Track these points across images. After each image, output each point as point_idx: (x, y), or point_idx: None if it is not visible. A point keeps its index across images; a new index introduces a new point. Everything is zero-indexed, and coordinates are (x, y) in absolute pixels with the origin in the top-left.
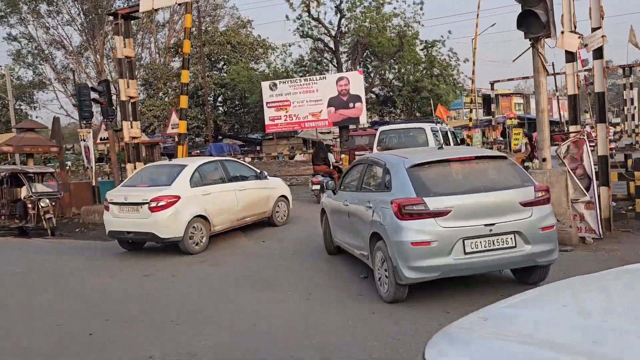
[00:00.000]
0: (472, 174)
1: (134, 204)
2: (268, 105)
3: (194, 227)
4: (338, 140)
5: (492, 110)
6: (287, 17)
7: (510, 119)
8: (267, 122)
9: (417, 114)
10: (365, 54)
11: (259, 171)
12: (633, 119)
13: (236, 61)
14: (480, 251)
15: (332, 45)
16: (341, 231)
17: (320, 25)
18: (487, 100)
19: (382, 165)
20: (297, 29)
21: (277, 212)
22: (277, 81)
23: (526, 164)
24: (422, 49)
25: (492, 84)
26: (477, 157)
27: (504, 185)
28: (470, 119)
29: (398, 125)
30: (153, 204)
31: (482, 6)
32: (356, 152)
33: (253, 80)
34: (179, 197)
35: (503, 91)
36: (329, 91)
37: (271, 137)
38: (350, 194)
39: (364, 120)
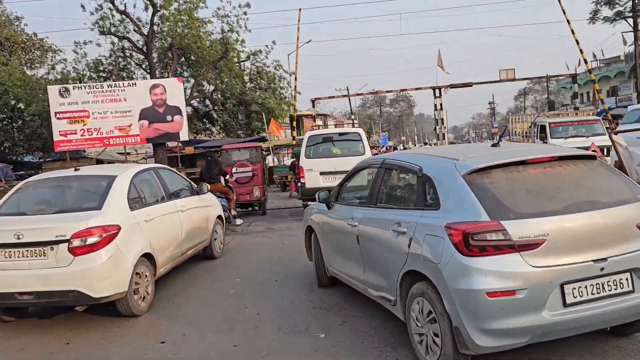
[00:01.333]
0: (562, 183)
1: (35, 244)
2: (58, 116)
3: (137, 273)
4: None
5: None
6: (83, 7)
7: None
8: (56, 137)
9: (240, 133)
10: (182, 59)
11: (193, 183)
12: (444, 138)
13: (5, 61)
14: (586, 301)
15: (142, 45)
16: (343, 260)
17: (127, 21)
18: (297, 121)
19: (415, 170)
20: (97, 22)
21: (214, 239)
22: (70, 85)
23: None
24: (246, 59)
25: (313, 102)
26: (560, 158)
27: (612, 200)
28: (294, 137)
29: (328, 130)
30: (76, 242)
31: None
32: (235, 169)
33: (32, 85)
34: (119, 228)
35: (306, 112)
36: (141, 101)
37: (61, 157)
38: (359, 210)
39: (185, 136)
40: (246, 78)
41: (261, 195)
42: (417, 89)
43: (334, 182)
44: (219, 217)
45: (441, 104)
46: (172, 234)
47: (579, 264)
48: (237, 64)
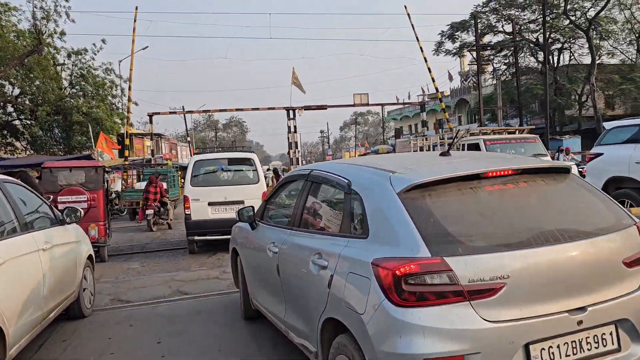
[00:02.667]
0: (528, 206)
1: None
2: None
3: None
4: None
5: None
6: None
7: (168, 159)
8: None
9: (57, 150)
10: None
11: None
12: (298, 162)
13: None
14: None
15: None
16: (265, 293)
17: None
18: (122, 140)
19: (343, 184)
20: None
21: (84, 288)
22: None
23: None
24: (66, 56)
25: (150, 116)
26: (526, 171)
27: (591, 227)
28: (126, 158)
29: (216, 154)
30: None
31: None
32: (62, 197)
33: None
34: None
35: (137, 131)
36: None
37: None
38: (281, 231)
39: None
40: (65, 82)
41: (100, 236)
42: (270, 108)
43: (224, 214)
44: (90, 257)
45: (295, 127)
46: (30, 287)
47: (550, 316)
48: (54, 63)
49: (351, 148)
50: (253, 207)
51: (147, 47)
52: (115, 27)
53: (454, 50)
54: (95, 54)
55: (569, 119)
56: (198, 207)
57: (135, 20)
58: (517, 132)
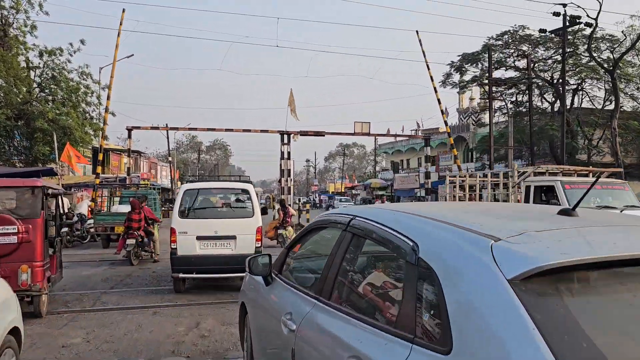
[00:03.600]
0: None
1: None
2: None
3: None
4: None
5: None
6: None
7: (144, 179)
8: None
9: (16, 160)
10: None
11: None
12: (290, 191)
13: None
14: None
15: None
16: None
17: None
18: (104, 155)
19: (405, 249)
20: None
21: None
22: None
23: (280, 231)
24: (37, 55)
25: (129, 130)
26: None
27: None
28: (98, 175)
29: (209, 183)
30: None
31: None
32: None
33: None
34: None
35: (115, 146)
36: None
37: None
38: (303, 299)
39: None
40: (33, 82)
41: (35, 281)
42: (263, 131)
43: (213, 249)
44: (15, 330)
45: (289, 153)
46: None
47: None
48: (27, 65)
49: (336, 179)
50: (270, 256)
51: (133, 55)
52: (96, 30)
53: (461, 84)
54: (71, 55)
55: (580, 164)
56: (185, 241)
57: (121, 24)
58: (590, 174)
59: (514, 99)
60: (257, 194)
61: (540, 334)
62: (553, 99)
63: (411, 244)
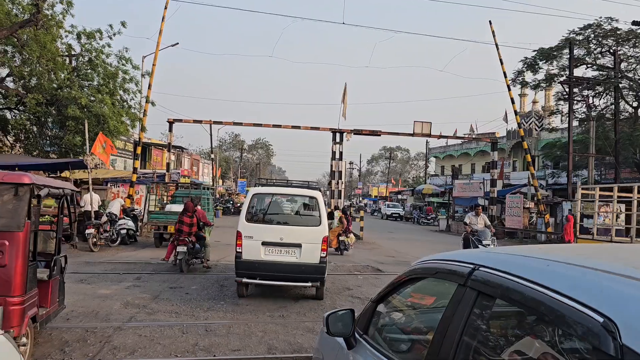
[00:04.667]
0: None
1: None
2: None
3: None
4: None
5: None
6: None
7: (184, 176)
8: None
9: (49, 150)
10: None
11: None
12: (340, 196)
13: None
14: None
15: None
16: None
17: None
18: (143, 149)
19: (591, 325)
20: None
21: None
22: None
23: (341, 238)
24: (75, 38)
25: (170, 123)
26: None
27: None
28: (135, 169)
29: (278, 188)
30: None
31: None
32: None
33: None
34: None
35: (157, 141)
36: None
37: None
38: None
39: None
40: (66, 66)
41: (8, 325)
42: (313, 128)
43: (278, 256)
44: None
45: (341, 153)
46: None
47: None
48: (68, 52)
49: (379, 183)
50: (352, 312)
51: (178, 43)
52: (140, 16)
53: (534, 83)
54: (110, 38)
55: None
56: (250, 246)
57: (165, 8)
58: None
59: (590, 101)
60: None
61: None
62: (637, 103)
63: (600, 319)
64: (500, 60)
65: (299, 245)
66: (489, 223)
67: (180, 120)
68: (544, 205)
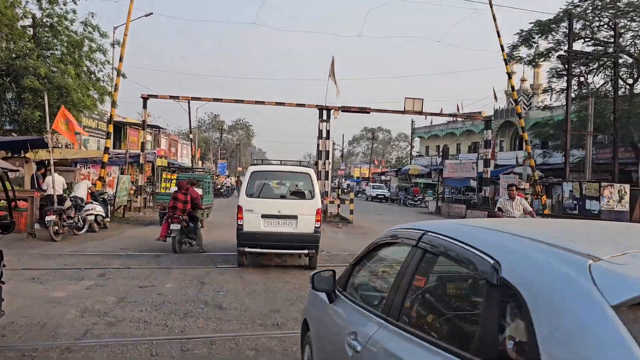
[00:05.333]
0: None
1: None
2: None
3: None
4: None
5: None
6: None
7: (161, 157)
8: None
9: (9, 128)
10: None
11: None
12: (327, 176)
13: None
14: None
15: None
16: None
17: None
18: (118, 129)
19: (485, 269)
20: None
21: None
22: None
23: None
24: (36, 3)
25: (145, 99)
26: None
27: None
28: (107, 149)
29: (275, 166)
30: None
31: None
32: None
33: None
34: None
35: (134, 120)
36: None
37: None
38: (369, 319)
39: None
40: (26, 33)
41: None
42: (299, 105)
43: (276, 227)
44: None
45: (328, 131)
46: None
47: None
48: (17, 6)
49: (361, 164)
50: (334, 272)
51: (152, 13)
52: None
53: (528, 58)
54: (75, 3)
55: None
56: (251, 219)
57: None
58: None
59: (585, 79)
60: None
61: None
62: (632, 80)
63: (492, 261)
64: (498, 32)
65: (295, 217)
66: (530, 209)
67: (155, 96)
68: (541, 186)
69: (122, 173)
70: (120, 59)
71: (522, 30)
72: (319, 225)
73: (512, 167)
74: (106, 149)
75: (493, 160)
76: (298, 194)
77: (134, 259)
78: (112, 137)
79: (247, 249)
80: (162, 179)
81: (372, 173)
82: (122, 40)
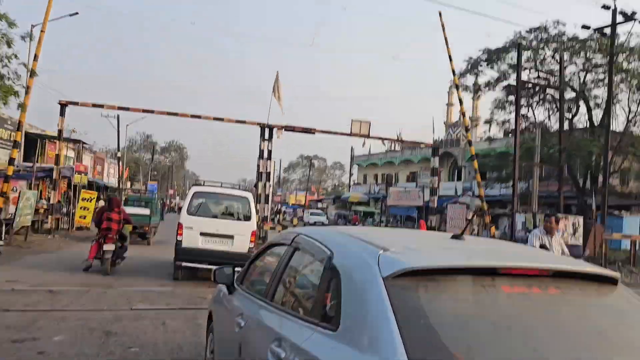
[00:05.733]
0: (556, 320)
1: None
2: None
3: None
4: None
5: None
6: None
7: (80, 173)
8: None
9: None
10: None
11: None
12: (267, 200)
13: None
14: None
15: None
16: None
17: None
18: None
19: (324, 256)
20: None
21: None
22: None
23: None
24: None
25: (63, 106)
26: (558, 274)
27: None
28: (12, 160)
29: (216, 189)
30: None
31: None
32: None
33: None
34: None
35: (52, 133)
36: None
37: None
38: (254, 301)
39: None
40: None
41: None
42: (239, 121)
43: (213, 245)
44: None
45: (270, 151)
46: None
47: None
48: None
49: (297, 191)
50: (234, 267)
51: (77, 13)
52: None
53: (473, 88)
54: None
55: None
56: (190, 235)
57: None
58: None
59: (527, 112)
60: None
61: (395, 318)
62: (571, 115)
63: (329, 252)
64: (450, 57)
65: (231, 237)
66: (566, 249)
67: (76, 103)
68: (490, 217)
69: (30, 188)
70: (35, 58)
71: (470, 58)
72: (252, 246)
73: (458, 197)
74: (11, 160)
75: (437, 188)
76: (236, 216)
77: (19, 297)
78: (21, 148)
79: (184, 264)
80: (80, 199)
81: (308, 200)
82: (38, 36)
